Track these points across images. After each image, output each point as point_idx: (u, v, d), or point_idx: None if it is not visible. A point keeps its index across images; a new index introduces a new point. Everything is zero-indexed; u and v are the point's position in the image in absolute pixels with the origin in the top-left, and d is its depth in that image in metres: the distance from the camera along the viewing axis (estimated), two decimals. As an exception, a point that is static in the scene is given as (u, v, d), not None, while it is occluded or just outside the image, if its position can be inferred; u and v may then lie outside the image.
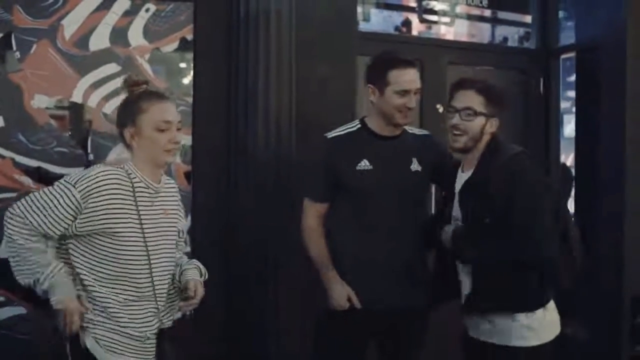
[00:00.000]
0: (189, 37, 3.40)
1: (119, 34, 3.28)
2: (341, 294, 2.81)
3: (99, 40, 3.25)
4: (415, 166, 2.86)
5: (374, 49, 3.17)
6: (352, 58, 3.61)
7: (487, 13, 4.57)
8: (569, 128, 4.67)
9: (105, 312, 2.24)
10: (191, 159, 3.41)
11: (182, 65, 3.49)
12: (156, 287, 2.32)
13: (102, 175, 2.23)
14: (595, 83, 4.09)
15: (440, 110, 4.05)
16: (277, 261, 3.30)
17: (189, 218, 3.36)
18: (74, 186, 2.20)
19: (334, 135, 2.90)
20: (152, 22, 3.34)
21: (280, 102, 3.35)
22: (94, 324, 2.25)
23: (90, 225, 2.21)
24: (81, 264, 2.25)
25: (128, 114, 2.33)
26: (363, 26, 4.08)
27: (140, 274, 2.28)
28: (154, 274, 2.31)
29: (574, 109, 4.48)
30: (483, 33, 4.64)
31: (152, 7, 3.34)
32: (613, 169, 3.96)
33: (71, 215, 2.19)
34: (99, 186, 2.21)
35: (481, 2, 4.48)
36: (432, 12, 4.38)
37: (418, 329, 2.92)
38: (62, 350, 2.28)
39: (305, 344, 3.10)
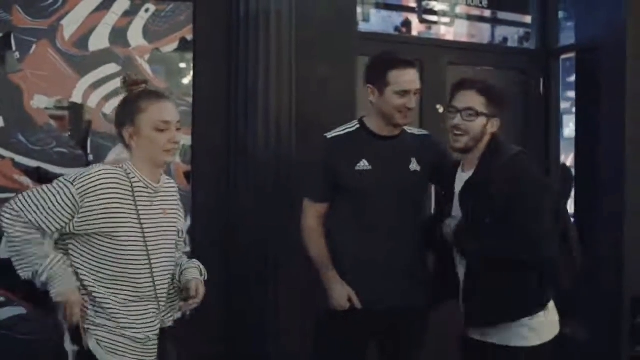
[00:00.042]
0: (189, 37, 3.40)
1: (119, 34, 3.28)
2: (341, 294, 2.81)
3: (99, 41, 3.25)
4: (414, 166, 2.86)
5: (373, 49, 3.17)
6: (352, 58, 3.61)
7: (487, 13, 4.57)
8: (569, 128, 4.67)
9: (105, 314, 2.23)
10: (191, 159, 3.40)
11: (182, 65, 3.49)
12: (157, 287, 2.31)
13: (101, 175, 2.22)
14: (595, 83, 4.09)
15: (441, 110, 4.06)
16: (277, 261, 3.30)
17: (189, 218, 3.36)
18: (72, 184, 2.19)
19: (333, 135, 2.90)
20: (152, 22, 3.34)
21: (280, 102, 3.35)
22: (95, 326, 2.24)
23: (89, 225, 2.20)
24: (81, 265, 2.24)
25: (127, 114, 2.31)
26: (363, 26, 4.08)
27: (141, 274, 2.27)
28: (154, 274, 2.30)
29: (573, 110, 4.48)
30: (483, 33, 4.64)
31: (152, 7, 3.34)
32: (613, 169, 3.96)
33: (68, 213, 2.18)
34: (97, 185, 2.20)
35: (481, 3, 4.48)
36: (432, 12, 4.38)
37: (418, 329, 2.92)
38: (62, 350, 2.28)
39: (305, 344, 3.10)
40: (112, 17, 3.27)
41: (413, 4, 4.34)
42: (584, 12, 4.29)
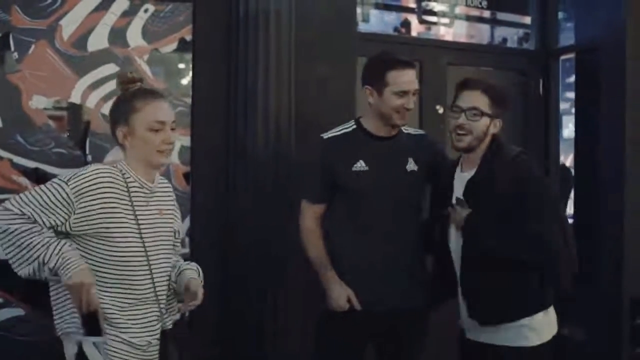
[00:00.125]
0: (188, 37, 3.39)
1: (118, 35, 3.27)
2: (340, 294, 2.80)
3: (98, 41, 3.24)
4: (411, 166, 2.86)
5: (373, 49, 3.16)
6: (351, 59, 3.60)
7: (487, 14, 4.57)
8: (569, 129, 4.67)
9: (106, 320, 2.18)
10: (190, 159, 3.40)
11: (181, 65, 3.48)
12: (157, 289, 2.28)
13: (96, 174, 2.19)
14: (594, 84, 4.09)
15: (441, 111, 4.06)
16: (277, 261, 3.30)
17: (188, 219, 3.35)
18: (67, 183, 2.16)
19: (329, 135, 2.90)
20: (151, 23, 3.34)
21: (280, 103, 3.34)
22: None
23: (86, 225, 2.17)
24: None
25: (121, 113, 2.28)
26: (362, 27, 4.08)
27: (140, 275, 2.24)
28: (154, 275, 2.27)
29: (573, 110, 4.48)
30: (482, 34, 4.64)
31: (151, 8, 3.34)
32: (612, 169, 3.96)
33: (63, 212, 2.14)
34: (93, 185, 2.17)
35: (480, 3, 4.47)
36: (432, 13, 4.38)
37: (418, 330, 2.91)
38: (62, 351, 2.26)
39: (304, 345, 3.10)
40: (111, 17, 3.26)
41: (412, 5, 4.34)
42: (583, 13, 4.29)
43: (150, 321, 2.27)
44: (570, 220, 4.07)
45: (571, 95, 4.55)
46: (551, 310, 2.66)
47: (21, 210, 2.13)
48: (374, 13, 4.29)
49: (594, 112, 4.10)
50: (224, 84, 3.40)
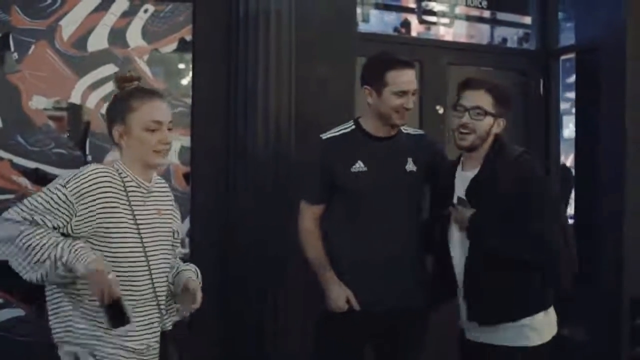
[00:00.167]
0: (188, 37, 3.39)
1: (118, 35, 3.27)
2: (339, 295, 2.79)
3: (98, 41, 3.24)
4: (410, 166, 2.85)
5: (373, 49, 3.16)
6: (351, 59, 3.60)
7: (487, 14, 4.56)
8: (569, 129, 4.67)
9: (105, 324, 2.13)
10: (190, 159, 3.40)
11: (181, 66, 3.48)
12: (157, 289, 2.26)
13: (94, 174, 2.17)
14: (595, 84, 4.09)
15: (441, 111, 4.06)
16: (277, 262, 3.29)
17: (188, 219, 3.35)
18: (65, 187, 2.14)
19: (328, 136, 2.89)
20: (151, 23, 3.34)
21: (280, 103, 3.34)
22: (95, 340, 2.16)
23: (88, 226, 2.15)
24: None
25: (118, 112, 2.25)
26: (362, 27, 4.08)
27: (139, 276, 2.22)
28: (153, 276, 2.25)
29: (573, 110, 4.47)
30: (482, 34, 4.64)
31: (151, 8, 3.33)
32: (613, 169, 3.96)
33: (64, 214, 2.12)
34: (92, 185, 2.15)
35: (480, 3, 4.47)
36: (432, 13, 4.37)
37: (418, 331, 2.91)
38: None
39: (304, 345, 3.10)
40: (111, 17, 3.26)
41: (412, 5, 4.34)
42: (583, 13, 4.28)
43: (150, 322, 2.25)
44: (571, 221, 4.07)
45: (571, 95, 4.54)
46: (551, 311, 2.66)
47: (23, 217, 2.11)
48: (374, 13, 4.29)
49: (594, 112, 4.10)
50: (224, 84, 3.40)
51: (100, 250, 2.17)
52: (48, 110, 3.19)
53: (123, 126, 2.24)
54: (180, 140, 3.37)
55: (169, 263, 2.36)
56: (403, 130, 2.93)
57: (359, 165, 2.81)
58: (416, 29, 4.37)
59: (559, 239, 2.53)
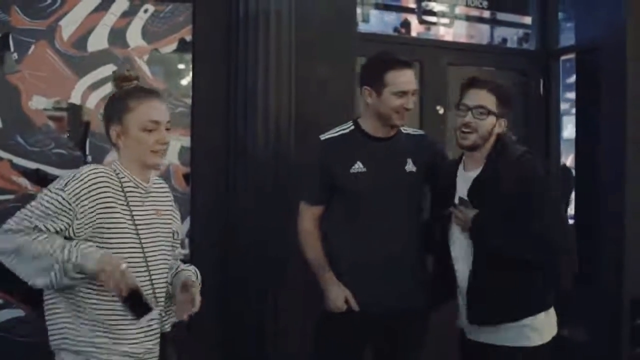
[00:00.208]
0: (188, 38, 3.39)
1: (118, 35, 3.27)
2: (338, 295, 2.79)
3: (97, 41, 3.24)
4: (410, 167, 2.85)
5: (373, 50, 3.16)
6: (351, 59, 3.60)
7: (487, 14, 4.56)
8: (569, 129, 4.67)
9: (104, 328, 2.13)
10: (190, 160, 3.39)
11: (181, 66, 3.48)
12: (156, 290, 2.25)
13: (91, 175, 2.16)
14: (595, 84, 4.09)
15: (441, 111, 4.06)
16: (277, 262, 3.29)
17: (188, 219, 3.35)
18: (64, 190, 2.12)
19: (327, 137, 2.89)
20: (151, 23, 3.33)
21: (280, 103, 3.34)
22: (94, 347, 2.14)
23: (88, 227, 2.14)
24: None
25: (115, 112, 2.24)
26: (362, 27, 4.07)
27: (138, 276, 2.18)
28: (152, 277, 2.24)
29: (574, 110, 4.47)
30: (482, 34, 4.64)
31: (151, 8, 3.33)
32: (613, 170, 3.95)
33: (65, 217, 2.11)
34: (90, 186, 2.14)
35: (480, 4, 4.47)
36: (432, 13, 4.38)
37: (417, 331, 2.91)
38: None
39: (304, 346, 3.09)
40: (111, 17, 3.26)
41: (412, 5, 4.34)
42: (583, 13, 4.28)
43: (150, 324, 2.22)
44: (571, 221, 4.08)
45: (572, 95, 4.54)
46: (552, 311, 2.66)
47: (25, 226, 2.09)
48: (374, 13, 4.29)
49: (594, 113, 4.10)
50: (224, 84, 3.40)
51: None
52: (48, 111, 3.19)
53: (120, 126, 2.23)
54: (180, 140, 3.37)
55: (168, 264, 2.35)
56: (403, 131, 2.92)
57: (358, 166, 2.80)
58: (416, 29, 4.37)
59: (558, 239, 2.53)
